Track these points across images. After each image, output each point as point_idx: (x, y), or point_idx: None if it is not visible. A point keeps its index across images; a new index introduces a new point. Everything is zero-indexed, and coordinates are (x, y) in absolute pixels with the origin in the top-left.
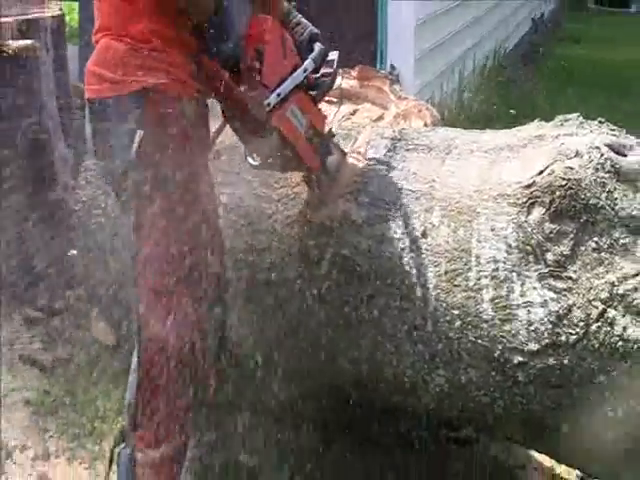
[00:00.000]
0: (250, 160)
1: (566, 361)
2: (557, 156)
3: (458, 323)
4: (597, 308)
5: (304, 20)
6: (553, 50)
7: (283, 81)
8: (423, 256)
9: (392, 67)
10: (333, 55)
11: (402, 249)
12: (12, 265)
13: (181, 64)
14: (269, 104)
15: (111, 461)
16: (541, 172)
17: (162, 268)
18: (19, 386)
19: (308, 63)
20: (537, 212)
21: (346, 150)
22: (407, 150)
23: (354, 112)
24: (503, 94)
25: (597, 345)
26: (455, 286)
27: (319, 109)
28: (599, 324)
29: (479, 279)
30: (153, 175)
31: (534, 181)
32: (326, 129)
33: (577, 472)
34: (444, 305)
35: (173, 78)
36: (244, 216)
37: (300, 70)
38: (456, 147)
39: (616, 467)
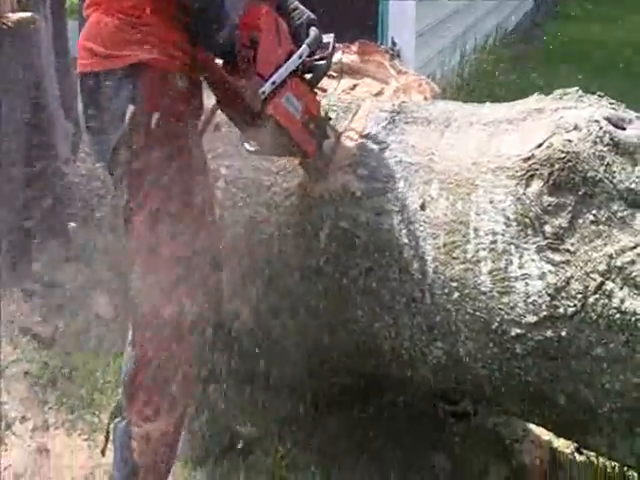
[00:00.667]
0: (246, 146)
1: (564, 333)
2: (556, 129)
3: (456, 295)
4: (595, 280)
5: (301, 5)
6: (555, 28)
7: (278, 69)
8: (421, 228)
9: (393, 43)
10: (329, 38)
11: (400, 221)
12: (12, 238)
13: (172, 39)
14: (264, 93)
15: (108, 434)
16: (540, 145)
17: (156, 243)
18: (19, 358)
19: (303, 49)
20: (536, 185)
21: (344, 126)
22: (406, 123)
23: (354, 87)
24: (504, 72)
25: (595, 317)
26: (453, 258)
27: (315, 94)
28: (597, 296)
29: (477, 251)
30: (145, 150)
31: (533, 154)
32: (322, 112)
33: (573, 445)
34: (442, 277)
35: (165, 53)
36: (243, 188)
37: (295, 56)
38: (455, 120)
39: (613, 439)
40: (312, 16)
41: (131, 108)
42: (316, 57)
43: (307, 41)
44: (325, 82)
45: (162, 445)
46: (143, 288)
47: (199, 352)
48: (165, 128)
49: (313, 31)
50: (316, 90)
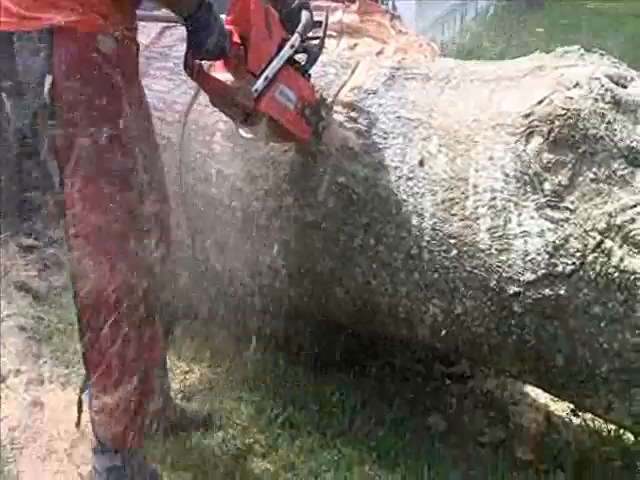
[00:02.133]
0: (241, 132)
1: (562, 292)
2: (557, 86)
3: (454, 252)
4: (594, 239)
5: None
6: None
7: (270, 62)
8: (420, 185)
9: (394, 7)
10: (321, 16)
11: (399, 177)
12: (8, 193)
13: (97, 2)
14: (256, 90)
15: (80, 406)
16: (540, 102)
17: (87, 214)
18: (14, 312)
19: (295, 38)
20: (535, 142)
21: (343, 81)
22: (406, 79)
23: (354, 46)
24: (505, 39)
25: (593, 276)
26: (452, 215)
27: (309, 78)
28: (596, 255)
29: (476, 208)
30: (69, 122)
31: (533, 111)
32: (317, 95)
33: (570, 408)
34: (440, 234)
35: (86, 15)
36: (241, 144)
37: (287, 47)
38: (455, 77)
39: (610, 400)
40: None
41: (49, 79)
42: (309, 36)
43: (298, 29)
44: (325, 42)
45: (119, 417)
46: (79, 260)
47: (149, 320)
48: (89, 97)
49: (305, 15)
50: (310, 72)
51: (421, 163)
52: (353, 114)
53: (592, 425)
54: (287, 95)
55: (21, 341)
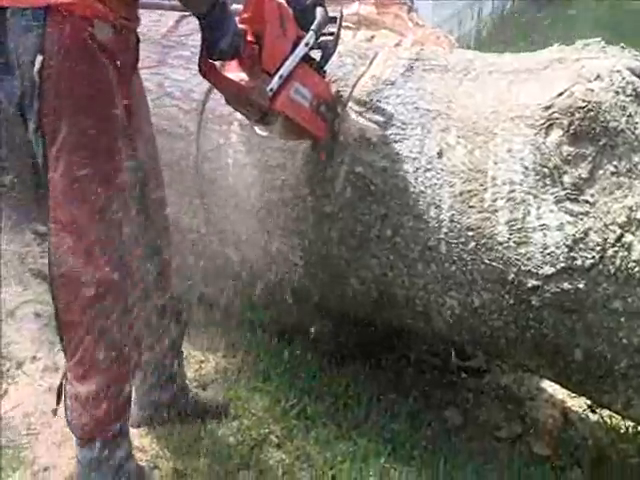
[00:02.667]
0: (257, 129)
1: (581, 286)
2: (578, 78)
3: (472, 245)
4: (614, 232)
5: None
6: None
7: (285, 61)
8: (438, 176)
9: (411, 1)
10: (336, 12)
11: (417, 169)
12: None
13: None
14: (271, 90)
15: (59, 394)
16: (561, 94)
17: (67, 200)
18: (29, 299)
19: (309, 36)
20: (555, 134)
21: (361, 71)
22: (424, 70)
23: (371, 38)
24: (521, 35)
25: (613, 270)
26: (470, 207)
27: (324, 75)
28: (616, 249)
29: (495, 201)
30: (55, 102)
31: (553, 103)
32: (332, 91)
33: (586, 404)
34: (458, 226)
35: None
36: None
37: (301, 45)
38: (474, 69)
39: (629, 396)
40: None
41: (39, 59)
42: (324, 32)
43: (313, 26)
44: (342, 33)
45: (92, 407)
46: (57, 246)
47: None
48: (78, 82)
49: (319, 12)
50: (326, 69)
51: (439, 154)
52: (371, 105)
53: (609, 422)
54: (302, 93)
55: (37, 328)
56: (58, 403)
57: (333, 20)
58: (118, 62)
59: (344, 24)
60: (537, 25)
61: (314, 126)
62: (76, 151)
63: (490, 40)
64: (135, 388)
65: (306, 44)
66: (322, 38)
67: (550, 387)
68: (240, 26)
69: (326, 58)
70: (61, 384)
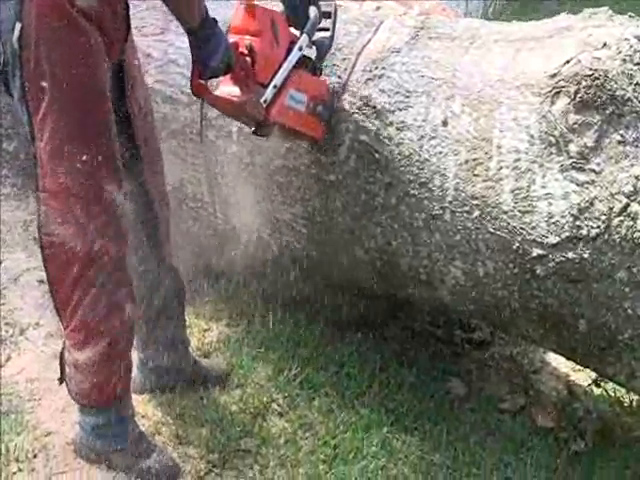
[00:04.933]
0: (253, 130)
1: (586, 255)
2: (584, 47)
3: (477, 213)
4: (620, 202)
5: None
6: None
7: (278, 69)
8: (443, 144)
9: None
10: (329, 7)
11: (422, 137)
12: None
13: None
14: (265, 101)
15: (62, 362)
16: (567, 62)
17: (54, 169)
18: (33, 266)
19: (303, 39)
20: (561, 102)
21: (367, 39)
22: (430, 38)
23: (377, 9)
24: (530, 12)
25: (619, 240)
26: (475, 175)
27: (320, 74)
28: (621, 218)
29: (500, 169)
30: (36, 70)
31: (559, 71)
32: (329, 90)
33: (591, 377)
34: (463, 195)
35: None
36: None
37: (295, 50)
38: (480, 37)
39: (633, 368)
40: None
41: (18, 26)
42: (318, 27)
43: (306, 28)
44: (348, 4)
45: (91, 374)
46: (47, 214)
47: (121, 281)
48: (58, 50)
49: (312, 12)
50: (321, 67)
51: (444, 123)
52: (376, 72)
53: (613, 395)
54: (297, 98)
55: (40, 294)
56: (62, 374)
57: (327, 15)
58: (104, 30)
59: None
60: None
61: (311, 128)
62: (61, 117)
63: (500, 14)
64: (137, 355)
65: (300, 48)
66: (316, 35)
67: (554, 360)
68: (231, 39)
69: (321, 57)
70: (62, 353)
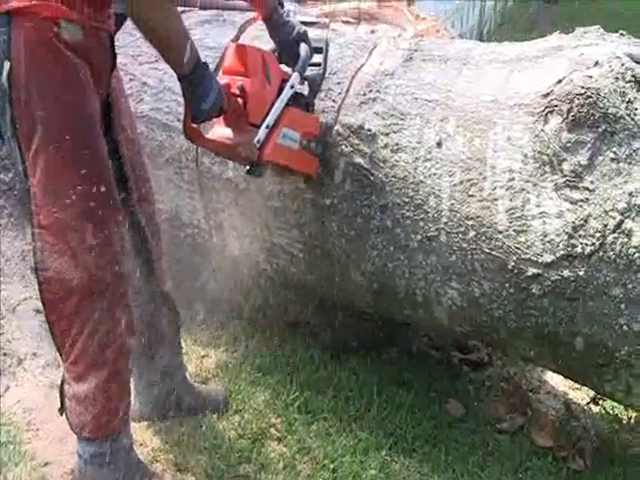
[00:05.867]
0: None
1: (581, 273)
2: (576, 65)
3: (472, 234)
4: (614, 219)
5: (292, 19)
6: None
7: (270, 108)
8: (437, 166)
9: None
10: (321, 42)
11: (417, 158)
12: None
13: None
14: (259, 141)
15: (62, 394)
16: (560, 81)
17: (48, 205)
18: (31, 296)
19: (294, 77)
20: (555, 121)
21: (361, 62)
22: (423, 60)
23: (372, 32)
24: (524, 32)
25: (613, 257)
26: (470, 196)
27: (312, 110)
28: (616, 235)
29: (494, 189)
30: (27, 107)
31: (552, 90)
32: (322, 126)
33: (589, 393)
34: (458, 215)
35: (47, 1)
36: None
37: (287, 89)
38: (473, 58)
39: (630, 384)
40: (302, 30)
41: (7, 65)
42: (310, 63)
43: (298, 66)
44: (343, 28)
45: (92, 406)
46: (43, 249)
47: (119, 310)
48: (48, 85)
49: (303, 49)
50: (314, 102)
51: (439, 144)
52: (370, 95)
53: (612, 412)
54: (290, 136)
55: (38, 324)
56: (62, 405)
57: (318, 50)
58: (91, 62)
59: (344, 19)
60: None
61: (304, 165)
62: (53, 152)
63: (494, 35)
64: (134, 382)
65: (291, 86)
66: (308, 70)
67: (552, 379)
68: (222, 81)
69: (314, 93)
70: (62, 385)
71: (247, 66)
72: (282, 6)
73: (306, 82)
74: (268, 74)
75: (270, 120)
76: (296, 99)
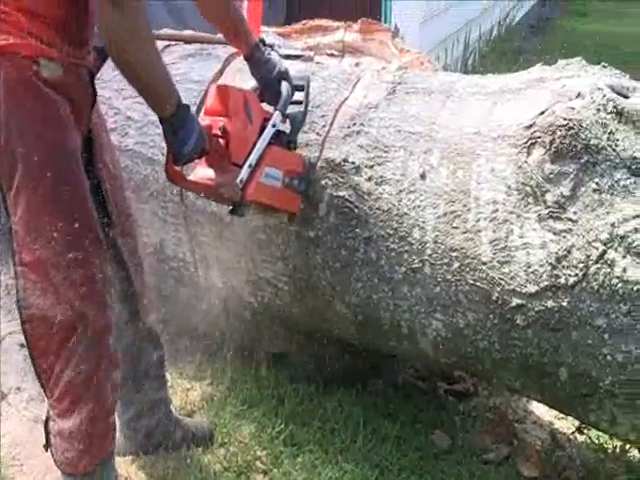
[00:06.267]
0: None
1: (565, 303)
2: (558, 97)
3: (456, 265)
4: (597, 249)
5: (273, 57)
6: (560, 23)
7: (252, 148)
8: (422, 198)
9: (396, 29)
10: (302, 80)
11: (400, 191)
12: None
13: (39, 31)
14: (242, 181)
15: (47, 429)
16: (542, 113)
17: (30, 243)
18: (15, 330)
19: (276, 116)
20: (537, 153)
21: (345, 96)
22: (407, 93)
23: (356, 65)
24: (508, 63)
25: (597, 287)
26: (454, 228)
27: (295, 147)
28: (599, 265)
29: (478, 221)
30: (8, 145)
31: (535, 122)
32: (305, 163)
33: (574, 423)
34: (442, 247)
35: (26, 40)
36: None
37: (268, 128)
38: (456, 90)
39: (614, 414)
40: (284, 68)
41: None
42: (292, 101)
43: (279, 105)
44: (328, 61)
45: (78, 442)
46: (25, 287)
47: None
48: (29, 123)
49: (285, 88)
50: (296, 140)
51: (422, 176)
52: (354, 128)
53: (597, 442)
54: (273, 174)
55: (22, 358)
56: (47, 441)
57: (300, 88)
58: (72, 99)
59: (329, 52)
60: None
61: (287, 203)
62: (34, 190)
63: (479, 66)
64: (118, 416)
65: (273, 125)
66: (290, 108)
67: (537, 409)
68: (204, 122)
69: (296, 130)
70: (47, 421)
71: (228, 106)
72: (264, 44)
73: (288, 120)
74: (250, 114)
75: (252, 159)
76: (278, 137)
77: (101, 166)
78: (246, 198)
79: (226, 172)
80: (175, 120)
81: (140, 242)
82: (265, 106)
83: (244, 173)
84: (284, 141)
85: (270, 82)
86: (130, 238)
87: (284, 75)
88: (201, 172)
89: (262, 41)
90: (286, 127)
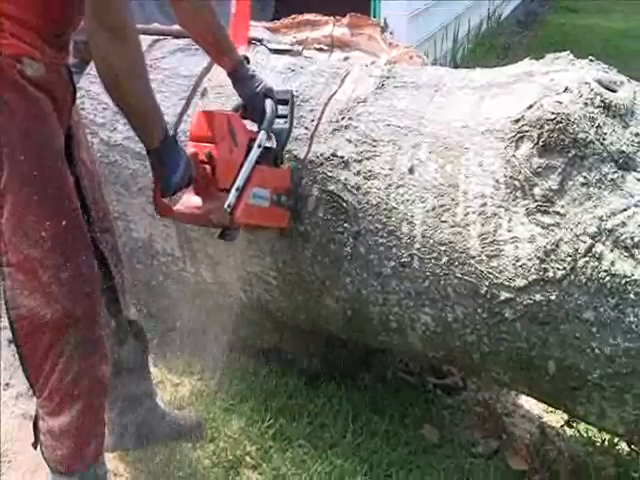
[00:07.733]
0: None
1: (553, 297)
2: (546, 91)
3: (445, 259)
4: (585, 243)
5: (258, 75)
6: (549, 18)
7: (239, 171)
8: (410, 192)
9: (385, 24)
10: (286, 94)
11: (389, 185)
12: None
13: (23, 34)
14: (230, 205)
15: (36, 428)
16: (530, 107)
17: (16, 243)
18: (4, 326)
19: (261, 136)
20: (525, 147)
21: (333, 90)
22: (395, 87)
23: (345, 59)
24: (497, 58)
25: (584, 280)
26: (442, 222)
27: (280, 163)
28: (587, 259)
29: (466, 215)
30: None
31: (523, 115)
32: (293, 178)
33: (563, 417)
34: (431, 241)
35: (8, 40)
36: None
37: (254, 149)
38: (445, 84)
39: (602, 407)
40: (269, 86)
41: None
42: (276, 115)
43: (264, 125)
44: (316, 56)
45: (68, 441)
46: (12, 287)
47: (91, 343)
48: (13, 121)
49: (269, 106)
50: (283, 155)
51: (411, 170)
52: (342, 122)
53: (586, 435)
54: (260, 194)
55: (11, 354)
56: (36, 440)
57: (284, 102)
58: (55, 96)
59: (317, 46)
60: (514, 46)
61: (276, 220)
62: (20, 189)
63: (468, 61)
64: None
65: (259, 145)
66: (275, 124)
67: (526, 402)
68: (189, 150)
69: (281, 146)
70: (36, 420)
71: (214, 132)
72: (248, 61)
73: (273, 135)
74: (234, 137)
75: (239, 182)
76: (264, 155)
77: (79, 163)
78: (235, 222)
79: (213, 198)
80: (163, 149)
81: (118, 239)
82: (248, 124)
83: (232, 197)
84: (270, 158)
85: (254, 99)
86: (109, 235)
87: (268, 92)
88: (188, 201)
89: (246, 58)
90: (272, 143)
